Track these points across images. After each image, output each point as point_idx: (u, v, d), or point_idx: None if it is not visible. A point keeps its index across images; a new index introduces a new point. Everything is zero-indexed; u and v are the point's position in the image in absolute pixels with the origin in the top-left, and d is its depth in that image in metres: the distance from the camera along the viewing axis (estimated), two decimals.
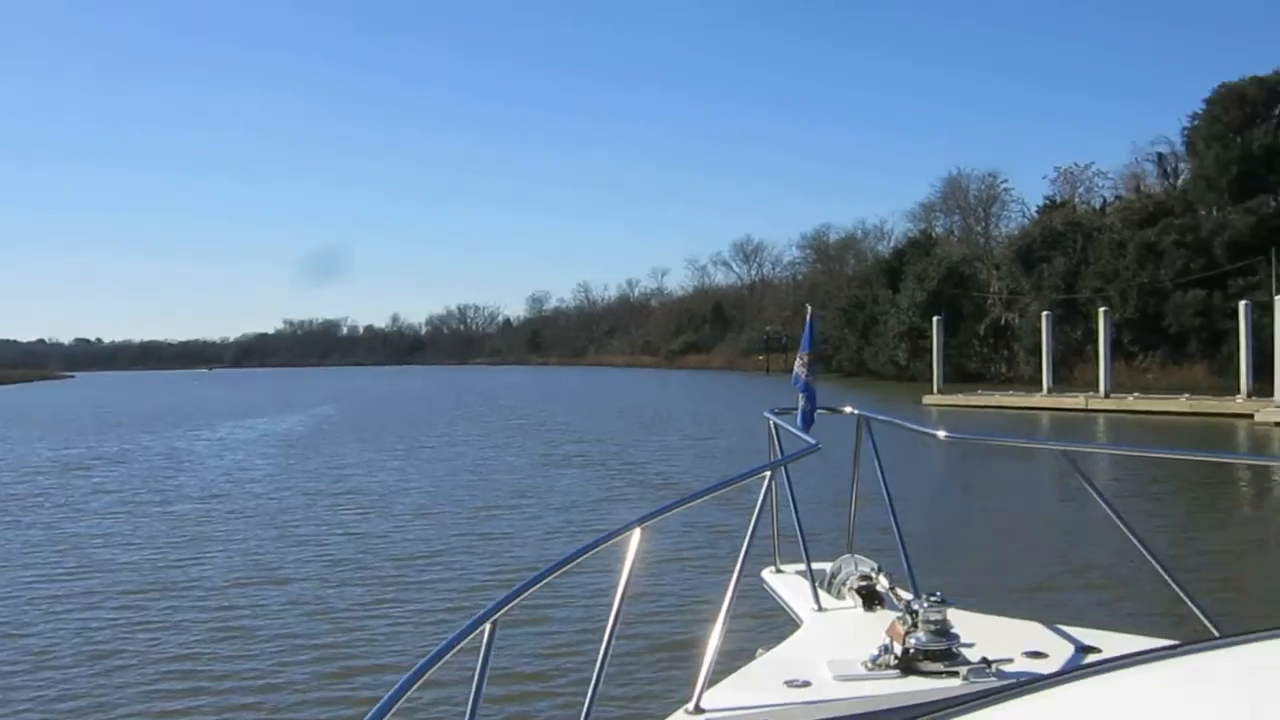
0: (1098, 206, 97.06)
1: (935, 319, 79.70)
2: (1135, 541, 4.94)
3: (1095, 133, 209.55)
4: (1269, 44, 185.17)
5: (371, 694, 11.22)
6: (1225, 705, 2.61)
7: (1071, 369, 76.15)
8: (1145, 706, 2.62)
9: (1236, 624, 3.69)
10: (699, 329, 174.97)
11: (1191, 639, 3.22)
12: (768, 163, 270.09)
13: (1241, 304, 60.06)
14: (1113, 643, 4.61)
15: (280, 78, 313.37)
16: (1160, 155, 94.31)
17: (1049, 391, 68.36)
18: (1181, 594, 4.82)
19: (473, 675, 3.58)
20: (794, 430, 6.72)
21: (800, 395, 7.22)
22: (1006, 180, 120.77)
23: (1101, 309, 68.06)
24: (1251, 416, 50.54)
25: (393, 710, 3.18)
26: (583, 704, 4.13)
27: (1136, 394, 62.37)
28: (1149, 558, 4.90)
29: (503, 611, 3.75)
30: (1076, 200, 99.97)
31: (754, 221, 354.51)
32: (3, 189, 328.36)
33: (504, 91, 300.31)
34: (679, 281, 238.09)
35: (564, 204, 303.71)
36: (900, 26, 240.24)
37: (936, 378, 76.13)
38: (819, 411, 7.25)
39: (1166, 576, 4.86)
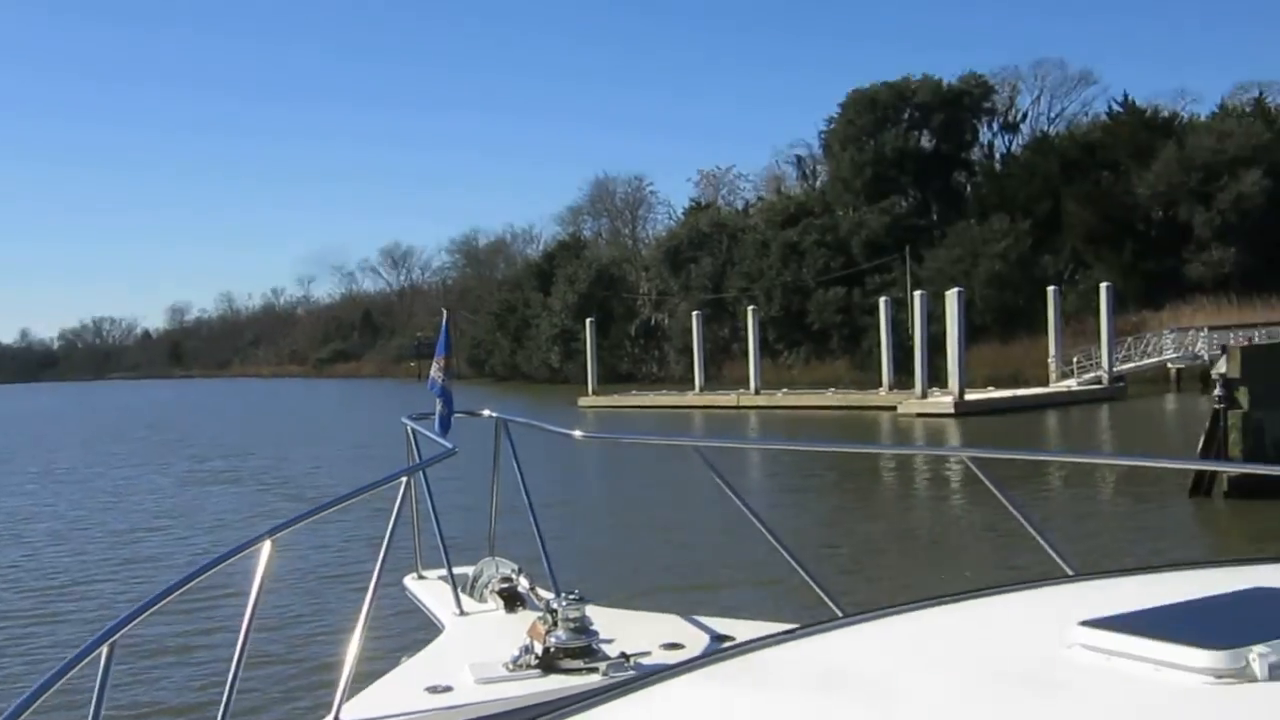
0: (741, 208, 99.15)
1: (588, 321, 79.97)
2: (765, 531, 5.11)
3: (738, 137, 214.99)
4: (898, 49, 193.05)
5: None
6: (843, 681, 2.76)
7: (720, 367, 77.66)
8: (772, 683, 2.79)
9: (859, 605, 3.92)
10: (348, 337, 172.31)
11: (817, 620, 3.36)
12: (416, 166, 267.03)
13: (881, 300, 62.41)
14: (746, 630, 4.66)
15: None
16: (799, 158, 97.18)
17: (701, 390, 69.28)
18: (808, 578, 4.99)
19: (90, 702, 3.35)
20: (431, 435, 6.60)
21: (437, 400, 7.07)
22: (652, 184, 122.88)
23: (749, 308, 69.42)
24: (895, 409, 52.20)
25: None
26: (216, 717, 3.89)
27: (785, 390, 63.95)
28: (778, 546, 5.07)
29: (122, 632, 3.52)
30: (721, 202, 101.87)
31: (402, 227, 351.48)
32: None
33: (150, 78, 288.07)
34: (326, 289, 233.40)
35: (206, 211, 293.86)
36: (545, 29, 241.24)
37: (591, 379, 76.25)
38: (457, 416, 7.13)
39: (794, 563, 5.03)
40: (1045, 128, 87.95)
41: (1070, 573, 4.03)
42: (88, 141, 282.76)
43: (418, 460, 6.20)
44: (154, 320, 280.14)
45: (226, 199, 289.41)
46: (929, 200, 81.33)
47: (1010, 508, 4.69)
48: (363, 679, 4.42)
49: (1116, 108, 78.70)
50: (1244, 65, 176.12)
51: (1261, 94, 79.16)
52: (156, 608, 3.86)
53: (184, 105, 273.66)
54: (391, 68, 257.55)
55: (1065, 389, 56.43)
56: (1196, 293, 65.99)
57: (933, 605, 3.35)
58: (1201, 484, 24.07)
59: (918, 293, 61.03)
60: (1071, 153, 74.56)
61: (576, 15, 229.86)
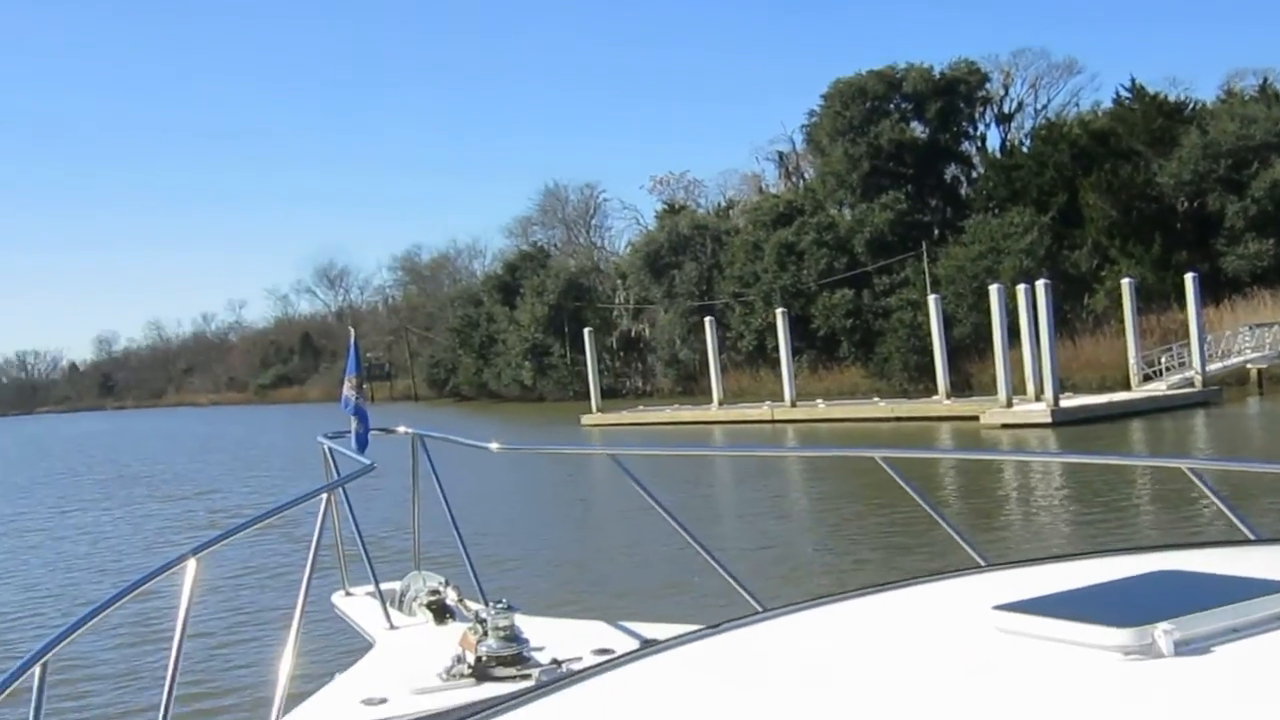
0: (712, 211, 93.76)
1: (587, 331, 73.90)
2: (686, 536, 5.43)
3: (686, 140, 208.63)
4: (859, 43, 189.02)
5: None
6: (762, 673, 2.85)
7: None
8: (692, 681, 2.86)
9: (777, 601, 3.80)
10: (287, 361, 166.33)
11: (739, 615, 3.41)
12: (348, 184, 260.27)
13: (931, 298, 56.36)
14: (673, 632, 3.97)
15: None
16: (781, 154, 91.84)
17: (721, 404, 63.06)
18: (728, 577, 5.24)
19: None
20: (348, 453, 6.88)
21: (352, 418, 7.31)
22: (604, 190, 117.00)
23: (779, 310, 63.49)
24: (976, 419, 45.96)
25: None
26: None
27: (823, 401, 57.73)
28: (699, 549, 5.40)
29: (53, 652, 3.65)
30: (692, 205, 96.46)
31: (334, 246, 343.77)
32: None
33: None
34: (259, 313, 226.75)
35: (129, 236, 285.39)
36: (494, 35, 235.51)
37: (594, 395, 69.85)
38: (372, 433, 7.37)
39: (714, 563, 5.32)
40: (1036, 119, 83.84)
41: (983, 563, 4.19)
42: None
43: (336, 477, 6.37)
44: (81, 352, 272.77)
45: (148, 228, 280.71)
46: (926, 195, 76.51)
47: (923, 503, 4.96)
48: (297, 696, 4.55)
49: (1125, 94, 74.29)
50: (1228, 51, 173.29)
51: (1267, 80, 75.41)
52: (86, 627, 3.95)
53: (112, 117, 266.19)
54: (319, 85, 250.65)
55: (1156, 393, 49.97)
56: (1228, 288, 61.13)
57: (852, 597, 3.38)
58: None
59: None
60: (1083, 141, 69.80)
61: (509, 15, 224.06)
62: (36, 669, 3.54)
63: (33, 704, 3.46)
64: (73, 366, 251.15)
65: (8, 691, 3.44)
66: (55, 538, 32.32)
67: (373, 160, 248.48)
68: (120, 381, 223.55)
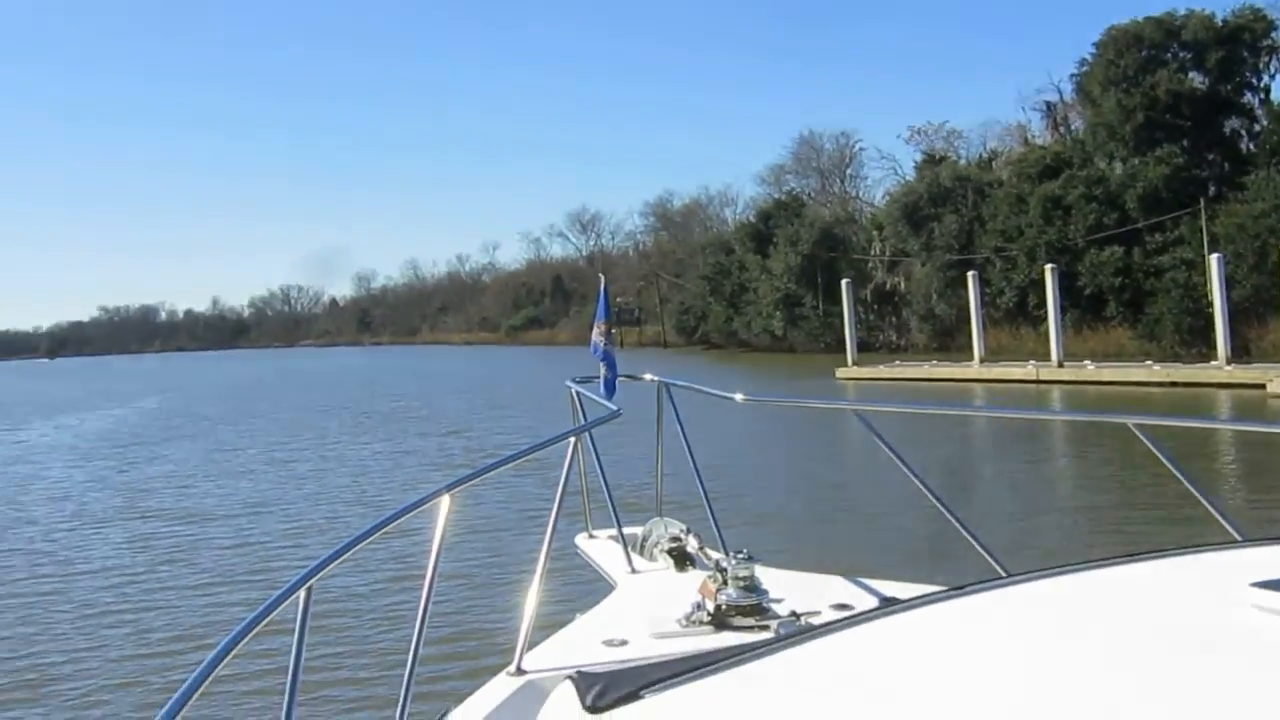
0: (972, 162, 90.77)
1: (844, 283, 72.15)
2: (930, 495, 5.30)
3: (947, 90, 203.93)
4: None
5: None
6: (1008, 637, 2.82)
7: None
8: (935, 643, 2.84)
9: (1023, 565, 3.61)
10: (539, 303, 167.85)
11: (981, 579, 3.36)
12: (599, 130, 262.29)
13: (1213, 258, 53.32)
14: (912, 591, 4.46)
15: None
16: (1049, 104, 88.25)
17: (982, 362, 60.88)
18: (972, 540, 5.12)
19: (292, 641, 3.54)
20: (596, 398, 6.98)
21: (600, 364, 7.45)
22: (861, 139, 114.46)
23: (1048, 266, 60.94)
24: (1263, 387, 42.54)
25: (214, 674, 3.18)
26: (404, 668, 4.15)
27: (1092, 362, 55.34)
28: (943, 510, 5.25)
29: (317, 577, 3.74)
30: (952, 156, 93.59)
31: (588, 191, 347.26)
32: None
33: (323, 65, 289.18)
34: (512, 255, 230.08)
35: (387, 178, 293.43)
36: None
37: (850, 349, 68.19)
38: (619, 379, 7.48)
39: (958, 525, 5.16)
40: None
41: (1240, 538, 3.93)
42: (289, 116, 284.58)
43: (583, 422, 6.41)
44: (341, 289, 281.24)
45: (412, 169, 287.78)
46: (1203, 149, 72.59)
47: (1178, 474, 4.70)
48: (540, 632, 4.68)
49: None
50: None
51: None
52: (345, 556, 4.08)
53: (387, 73, 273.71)
54: (578, 35, 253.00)
55: None
56: None
57: (1098, 567, 3.25)
58: None
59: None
60: None
61: None
62: (301, 593, 3.67)
63: (297, 626, 3.59)
64: (333, 302, 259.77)
65: (273, 615, 3.57)
66: (318, 470, 33.12)
67: (625, 108, 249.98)
68: (377, 318, 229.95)
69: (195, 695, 3.07)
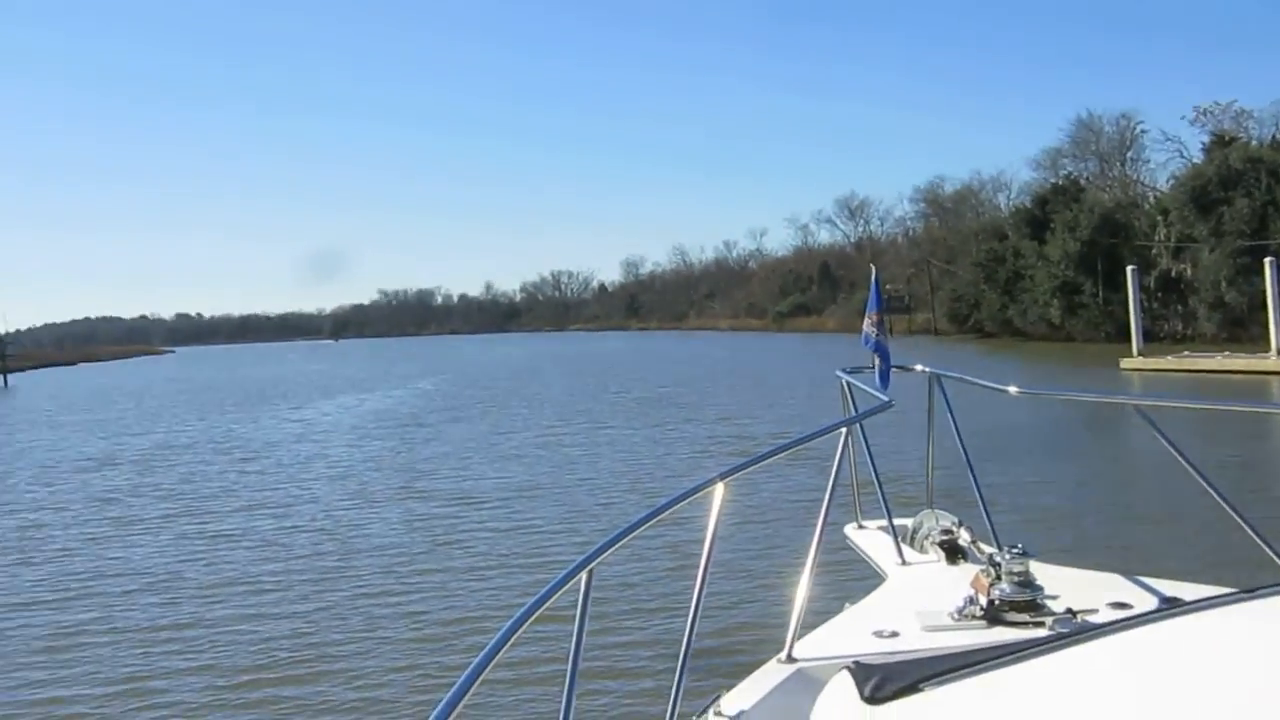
0: (1264, 144, 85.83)
1: (1130, 270, 69.05)
2: (1213, 493, 5.00)
3: (1231, 69, 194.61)
4: None
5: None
6: None
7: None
8: (1222, 647, 2.69)
9: None
10: (805, 290, 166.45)
11: (1270, 584, 3.22)
12: (867, 116, 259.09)
13: None
14: (1193, 592, 4.48)
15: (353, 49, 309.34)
16: None
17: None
18: (1259, 540, 4.90)
19: (573, 621, 3.62)
20: (868, 389, 6.90)
21: (873, 354, 7.34)
22: (1143, 121, 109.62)
23: None
24: None
25: (500, 654, 3.25)
26: (677, 654, 4.20)
27: None
28: (1226, 508, 4.99)
29: (598, 560, 3.81)
30: (1243, 137, 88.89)
31: (855, 177, 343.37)
32: (113, 173, 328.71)
33: (596, 46, 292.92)
34: (779, 241, 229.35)
35: (657, 164, 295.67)
36: None
37: (1135, 339, 64.91)
38: (891, 370, 7.34)
39: (1248, 528, 4.93)
40: None
41: None
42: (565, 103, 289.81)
43: (854, 412, 6.44)
44: (609, 273, 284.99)
45: (681, 153, 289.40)
46: None
47: None
48: (810, 623, 4.71)
49: None
50: None
51: None
52: (626, 540, 4.17)
53: (664, 55, 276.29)
54: (848, 22, 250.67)
55: None
56: None
57: None
58: None
59: None
60: None
61: None
62: (582, 576, 3.73)
63: (578, 611, 3.65)
64: (602, 287, 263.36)
65: (554, 597, 3.64)
66: (590, 454, 33.12)
67: (892, 93, 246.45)
68: (645, 303, 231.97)
69: (480, 677, 3.16)
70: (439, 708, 3.00)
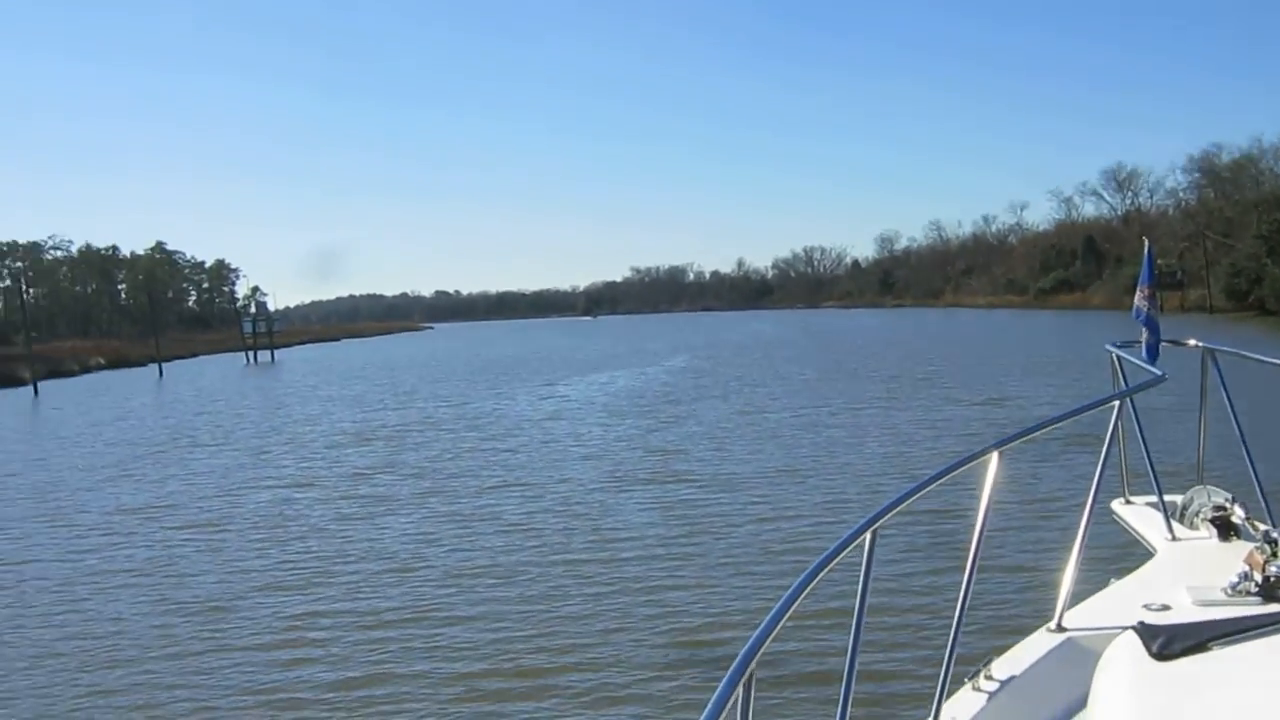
0: None
1: None
2: None
3: None
4: None
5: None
6: None
7: None
8: None
9: None
10: (1068, 265, 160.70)
11: None
12: (1136, 77, 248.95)
13: None
14: None
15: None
16: None
17: None
18: None
19: (857, 581, 3.68)
20: (1138, 362, 6.77)
21: (1143, 328, 7.13)
22: None
23: None
24: None
25: (789, 611, 3.24)
26: (952, 615, 4.21)
27: None
28: None
29: (881, 521, 3.86)
30: None
31: (1122, 148, 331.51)
32: (388, 149, 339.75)
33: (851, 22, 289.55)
34: (1040, 215, 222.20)
35: (911, 138, 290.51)
36: None
37: None
38: (1162, 344, 7.14)
39: None
40: None
41: None
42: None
43: (1124, 387, 6.33)
44: (863, 250, 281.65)
45: (932, 130, 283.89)
46: None
47: None
48: (1079, 592, 4.80)
49: None
50: None
51: None
52: (906, 503, 4.18)
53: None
54: None
55: None
56: None
57: None
58: None
59: None
60: None
61: None
62: (867, 535, 3.79)
63: (863, 567, 3.76)
64: (855, 263, 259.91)
65: (840, 556, 3.69)
66: (854, 435, 31.38)
67: (1165, 46, 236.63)
68: (899, 279, 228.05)
69: (775, 630, 3.13)
70: (734, 666, 2.91)
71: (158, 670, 13.72)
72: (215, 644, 14.63)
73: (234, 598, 16.94)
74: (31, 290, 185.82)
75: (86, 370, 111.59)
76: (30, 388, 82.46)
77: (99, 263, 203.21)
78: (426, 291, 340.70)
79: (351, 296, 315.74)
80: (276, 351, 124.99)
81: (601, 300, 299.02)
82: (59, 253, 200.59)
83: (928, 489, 4.34)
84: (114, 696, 12.86)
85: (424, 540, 20.25)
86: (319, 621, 15.47)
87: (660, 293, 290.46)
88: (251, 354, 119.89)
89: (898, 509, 4.13)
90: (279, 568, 18.80)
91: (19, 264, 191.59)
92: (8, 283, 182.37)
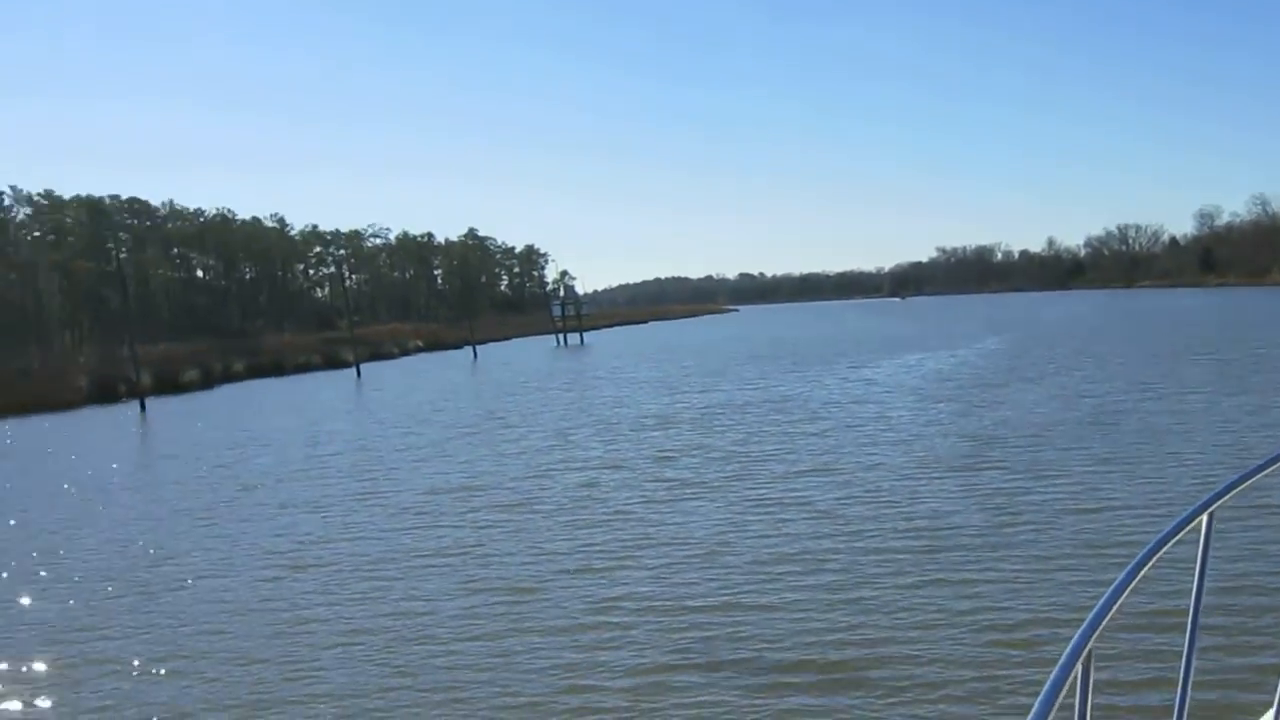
0: None
1: None
2: None
3: None
4: None
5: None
6: None
7: None
8: None
9: None
10: None
11: None
12: None
13: None
14: None
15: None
16: None
17: None
18: None
19: (1194, 565, 3.42)
20: None
21: None
22: None
23: None
24: None
25: (1130, 585, 3.05)
26: None
27: None
28: None
29: (1220, 502, 3.55)
30: None
31: None
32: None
33: None
34: None
35: (1235, 107, 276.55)
36: None
37: None
38: None
39: None
40: None
41: None
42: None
43: None
44: (1181, 226, 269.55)
45: (1259, 92, 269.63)
46: None
47: None
48: None
49: None
50: None
51: None
52: (1249, 483, 3.77)
53: None
54: None
55: None
56: None
57: None
58: None
59: None
60: None
61: None
62: (1204, 517, 3.47)
63: (1199, 552, 3.42)
64: (1172, 240, 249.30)
65: (1174, 540, 3.32)
66: (1181, 424, 29.35)
67: None
68: (1220, 258, 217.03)
69: (1116, 605, 2.95)
70: (1065, 654, 2.66)
71: (461, 650, 13.75)
72: (518, 626, 14.59)
73: (539, 580, 16.92)
74: (354, 276, 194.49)
75: (405, 353, 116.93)
76: (354, 370, 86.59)
77: (415, 249, 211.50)
78: (731, 274, 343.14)
79: (657, 280, 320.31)
80: (586, 334, 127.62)
81: (907, 281, 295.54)
82: (378, 240, 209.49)
83: (1275, 467, 3.96)
84: (418, 677, 12.93)
85: (729, 526, 19.87)
86: (622, 605, 15.24)
87: (967, 273, 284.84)
88: (562, 336, 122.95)
89: (1240, 487, 3.74)
90: (584, 550, 18.74)
91: (341, 251, 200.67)
92: (332, 269, 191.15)
